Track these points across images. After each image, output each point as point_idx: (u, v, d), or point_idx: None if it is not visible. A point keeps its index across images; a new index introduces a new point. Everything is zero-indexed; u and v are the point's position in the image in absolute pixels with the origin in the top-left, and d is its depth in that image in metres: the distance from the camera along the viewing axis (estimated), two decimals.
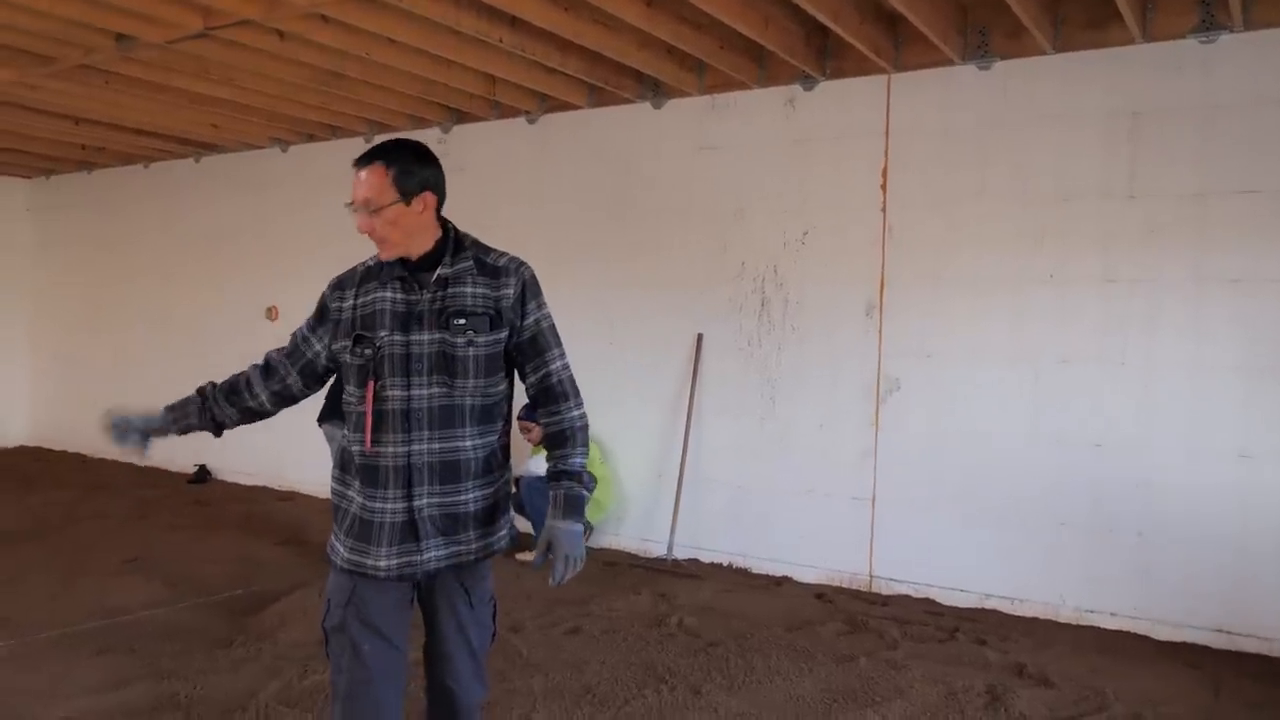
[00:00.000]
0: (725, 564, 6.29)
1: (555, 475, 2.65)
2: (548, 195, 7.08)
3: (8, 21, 5.40)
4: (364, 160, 2.54)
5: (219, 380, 2.76)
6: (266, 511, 7.71)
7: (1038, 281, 5.33)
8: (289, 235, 8.61)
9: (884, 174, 5.76)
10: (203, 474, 9.01)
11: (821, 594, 5.70)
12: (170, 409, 2.74)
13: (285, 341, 2.76)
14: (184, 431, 2.75)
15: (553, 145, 7.10)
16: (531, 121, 7.15)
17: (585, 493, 2.68)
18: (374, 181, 2.49)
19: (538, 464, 6.07)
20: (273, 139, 8.53)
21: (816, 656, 4.62)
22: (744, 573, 6.17)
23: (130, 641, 4.63)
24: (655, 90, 6.50)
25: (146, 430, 2.72)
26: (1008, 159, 5.40)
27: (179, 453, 9.18)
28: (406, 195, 2.50)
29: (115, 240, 10.29)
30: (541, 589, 5.52)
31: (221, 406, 2.71)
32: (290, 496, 8.29)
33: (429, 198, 2.54)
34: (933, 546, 5.60)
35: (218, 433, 2.77)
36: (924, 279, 5.65)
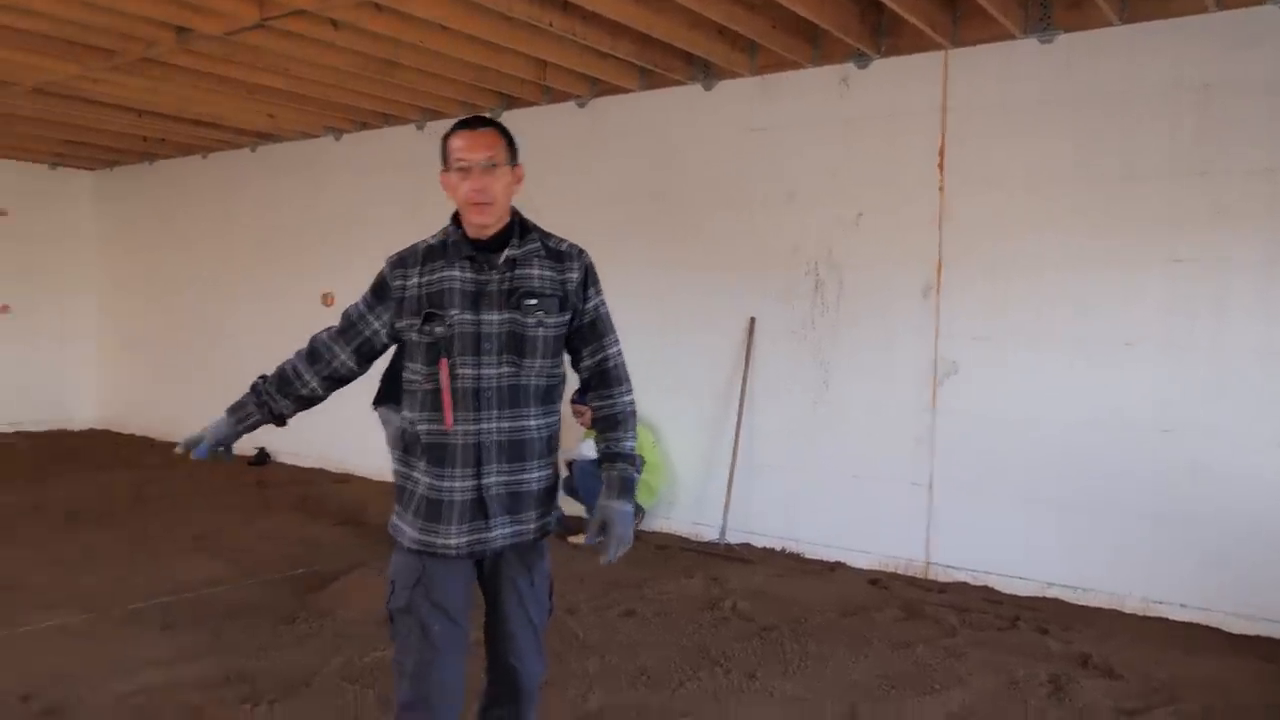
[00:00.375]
0: (778, 549, 6.27)
1: (609, 458, 2.69)
2: (598, 179, 7.07)
3: (71, 17, 5.52)
4: (475, 122, 2.57)
5: (269, 373, 2.78)
6: (324, 493, 7.84)
7: (1101, 262, 5.21)
8: (343, 222, 8.72)
9: (941, 153, 5.66)
10: (262, 456, 9.19)
11: (876, 580, 5.66)
12: (231, 411, 2.77)
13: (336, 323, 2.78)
14: (250, 429, 2.78)
15: (603, 129, 7.09)
16: (581, 106, 7.15)
17: (636, 474, 2.72)
18: (493, 141, 2.54)
19: (590, 447, 6.09)
20: (327, 128, 8.62)
21: (872, 642, 4.58)
22: (796, 558, 6.14)
23: (196, 618, 4.74)
24: (706, 72, 6.46)
25: (218, 440, 2.75)
26: (1070, 136, 5.28)
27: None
28: (514, 162, 2.58)
29: (176, 229, 10.51)
30: (596, 572, 5.55)
31: (275, 399, 2.73)
32: (346, 479, 8.42)
33: (520, 171, 2.60)
34: (992, 533, 5.52)
35: (280, 423, 2.80)
36: (983, 260, 5.55)
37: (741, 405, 6.39)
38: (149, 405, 10.82)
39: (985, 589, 5.49)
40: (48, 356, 11.23)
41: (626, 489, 2.65)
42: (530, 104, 7.25)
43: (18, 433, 10.81)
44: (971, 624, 4.88)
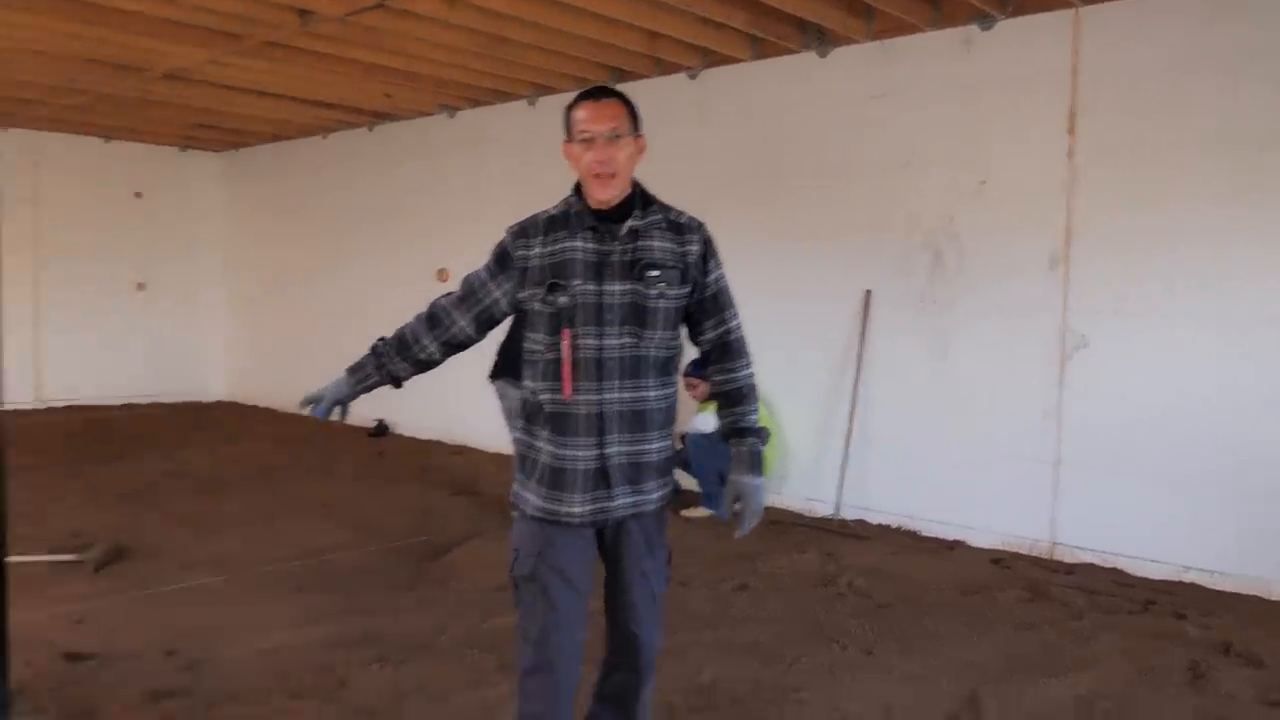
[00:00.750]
0: (894, 526, 6.16)
1: (736, 432, 2.70)
2: (708, 152, 7.01)
3: (202, 4, 5.73)
4: (598, 93, 2.56)
5: (389, 336, 2.82)
6: (440, 464, 8.03)
7: (1241, 233, 4.92)
8: (457, 199, 8.88)
9: (1070, 117, 5.43)
10: (381, 428, 9.46)
11: (998, 559, 5.51)
12: (351, 371, 2.82)
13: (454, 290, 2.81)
14: (369, 390, 2.83)
15: (714, 101, 7.02)
16: (692, 77, 7.09)
17: (763, 448, 2.71)
18: (617, 112, 2.53)
19: (704, 421, 6.07)
20: (441, 105, 8.77)
21: (995, 623, 4.47)
22: (913, 535, 6.03)
23: (324, 581, 4.92)
24: (820, 39, 6.32)
25: (337, 399, 2.80)
26: (1210, 99, 4.99)
27: (360, 407, 9.64)
28: (637, 133, 2.57)
29: (298, 208, 10.86)
30: (707, 545, 5.56)
31: (394, 361, 2.77)
32: (461, 450, 8.61)
33: (643, 141, 2.60)
34: (1122, 513, 5.31)
35: (397, 385, 2.84)
36: (1115, 230, 5.31)
37: (857, 379, 6.29)
38: (273, 378, 11.25)
39: (1115, 571, 5.28)
40: (179, 332, 11.78)
41: (756, 463, 2.66)
42: (641, 77, 7.22)
43: (154, 404, 11.38)
44: (1100, 607, 4.70)
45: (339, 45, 6.63)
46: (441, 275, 8.83)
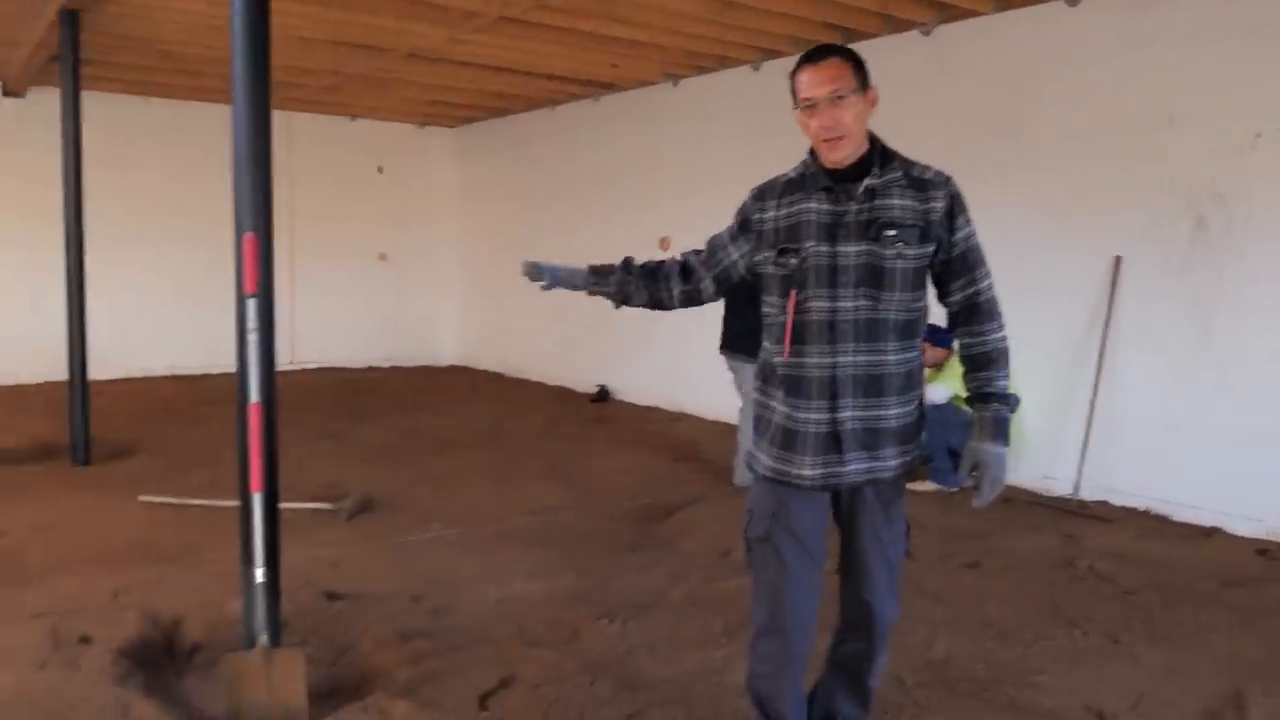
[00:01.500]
0: (1140, 509, 5.73)
1: (981, 397, 2.59)
2: (943, 113, 6.69)
3: None
4: (817, 55, 2.48)
5: (642, 261, 2.83)
6: (660, 430, 8.15)
7: None
8: (679, 167, 8.93)
9: None
10: (603, 393, 9.70)
11: (1264, 550, 5.03)
12: (593, 271, 2.84)
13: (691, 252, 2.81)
14: (594, 293, 2.85)
15: (949, 58, 6.70)
16: (926, 34, 6.79)
17: (1009, 415, 2.59)
18: (838, 72, 2.44)
19: (936, 391, 5.86)
20: (665, 74, 8.82)
21: (1261, 617, 4.09)
22: (1162, 520, 5.60)
23: (553, 538, 5.11)
24: None
25: (563, 281, 2.83)
26: None
27: (583, 373, 9.98)
28: (864, 88, 2.46)
29: (525, 179, 11.25)
30: (935, 520, 5.39)
31: (637, 285, 2.79)
32: (680, 417, 8.70)
33: (874, 94, 2.49)
34: None
35: (619, 305, 2.88)
36: None
37: (1102, 351, 5.88)
38: (501, 344, 11.77)
39: None
40: (416, 299, 12.51)
41: (1000, 430, 2.55)
42: (870, 36, 6.98)
43: (393, 368, 12.15)
44: None
45: (569, 17, 6.78)
46: (663, 243, 8.92)
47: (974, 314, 2.57)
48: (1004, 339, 2.59)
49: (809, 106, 2.45)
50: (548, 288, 2.85)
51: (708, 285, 2.74)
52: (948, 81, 6.70)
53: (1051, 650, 3.74)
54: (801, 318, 2.49)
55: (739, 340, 5.63)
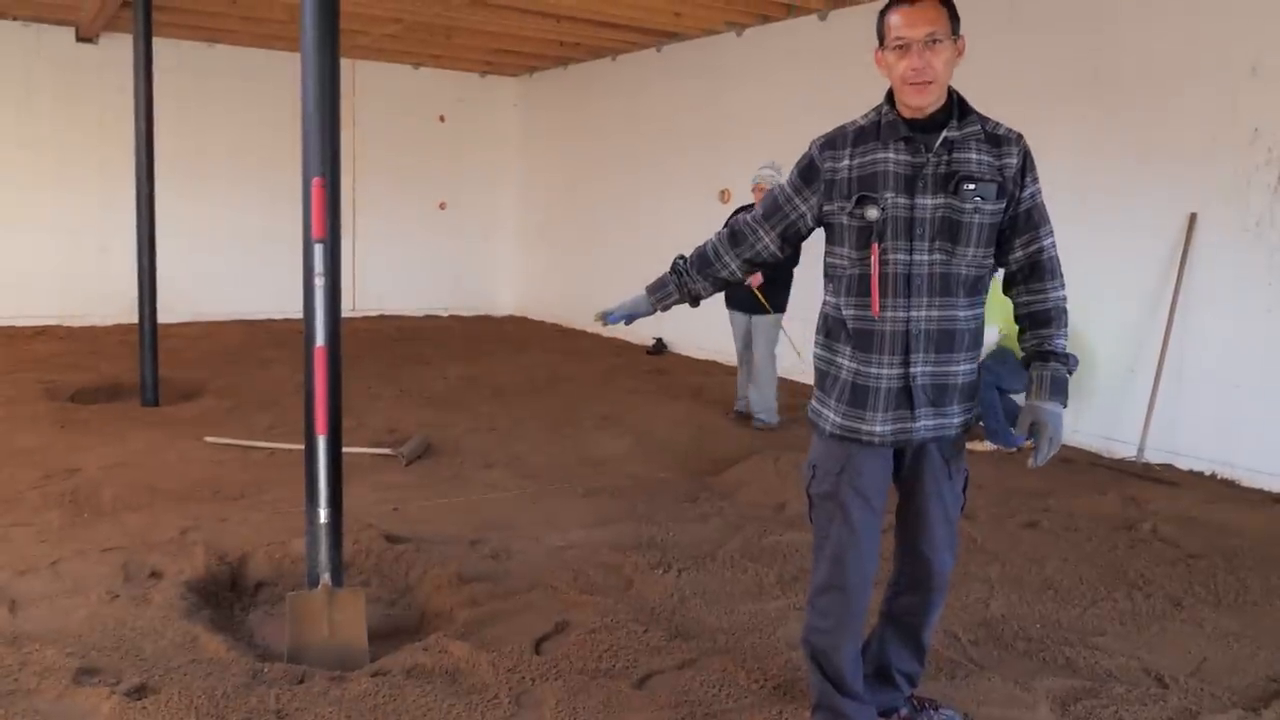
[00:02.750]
0: (1207, 473, 5.61)
1: (1040, 355, 2.55)
2: (1017, 59, 6.48)
3: None
4: None
5: (688, 253, 2.81)
6: (717, 384, 8.13)
7: None
8: (741, 119, 8.80)
9: None
10: (660, 346, 9.71)
11: None
12: (652, 290, 2.83)
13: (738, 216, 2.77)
14: (667, 307, 2.84)
15: (1026, 4, 6.49)
16: None
17: (1069, 373, 2.54)
18: (935, 14, 2.37)
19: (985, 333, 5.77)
20: (729, 23, 8.68)
21: None
22: (1231, 484, 5.47)
23: (609, 487, 5.15)
24: None
25: (634, 314, 2.83)
26: None
27: (639, 325, 9.94)
28: (956, 34, 2.40)
29: (586, 130, 11.19)
30: (993, 478, 5.33)
31: (695, 279, 2.76)
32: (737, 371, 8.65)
33: (963, 43, 2.42)
34: None
35: (695, 304, 2.85)
36: None
37: (1173, 310, 5.72)
38: (559, 294, 11.80)
39: None
40: (475, 249, 12.58)
41: (1059, 389, 2.50)
42: None
43: (451, 316, 12.27)
44: None
45: None
46: (724, 196, 8.84)
47: (1035, 271, 2.53)
48: (1064, 298, 2.55)
49: (900, 47, 2.38)
50: (629, 323, 2.87)
51: (771, 244, 2.67)
52: (1024, 27, 6.48)
53: (1111, 612, 3.70)
54: (878, 271, 2.45)
55: (736, 297, 6.56)
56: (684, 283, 2.78)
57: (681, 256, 2.81)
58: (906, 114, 2.44)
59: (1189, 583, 4.00)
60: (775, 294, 6.50)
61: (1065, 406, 2.51)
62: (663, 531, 4.41)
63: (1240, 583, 4.00)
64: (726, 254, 2.73)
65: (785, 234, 2.67)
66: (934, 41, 2.35)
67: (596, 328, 10.87)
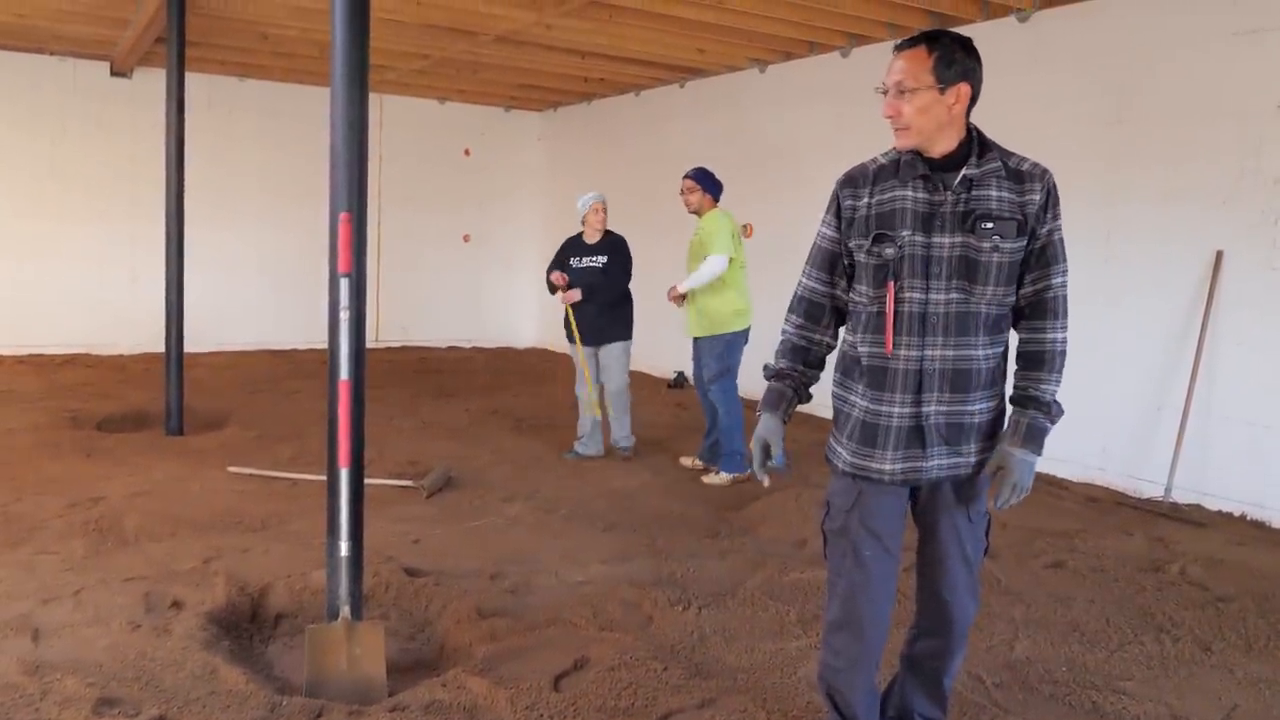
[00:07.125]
0: (1237, 514, 5.53)
1: (1022, 400, 2.50)
2: (1039, 98, 6.49)
3: None
4: (907, 44, 2.44)
5: (778, 361, 2.68)
6: None
7: None
8: (764, 155, 8.83)
9: None
10: (680, 379, 9.69)
11: None
12: (771, 409, 2.64)
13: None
14: (790, 415, 2.67)
15: (1047, 44, 6.50)
16: (1023, 20, 6.60)
17: (1050, 425, 2.49)
18: (911, 66, 2.40)
19: None
20: (752, 60, 8.74)
21: None
22: (1262, 526, 5.39)
23: (629, 521, 5.13)
24: None
25: (776, 438, 2.62)
26: None
27: (662, 359, 9.97)
28: (943, 83, 2.38)
29: (610, 164, 11.26)
30: (1017, 517, 5.26)
31: (803, 373, 2.66)
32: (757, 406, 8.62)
33: (964, 89, 2.40)
34: None
35: (807, 398, 2.70)
36: None
37: (1200, 349, 5.66)
38: None
39: None
40: (498, 281, 12.64)
41: (1033, 437, 2.46)
42: (965, 21, 6.80)
43: (474, 348, 12.31)
44: None
45: (657, 2, 6.75)
46: (747, 230, 8.85)
47: (1038, 309, 2.48)
48: (1063, 340, 2.49)
49: (883, 92, 2.45)
50: (783, 461, 2.63)
51: (841, 292, 2.59)
52: (1046, 68, 6.49)
53: (1139, 656, 3.64)
54: (893, 309, 2.44)
55: (603, 331, 6.51)
56: (796, 384, 2.65)
57: (780, 368, 2.66)
58: (926, 153, 2.45)
59: (1219, 626, 3.93)
60: (614, 322, 6.50)
61: (1039, 455, 2.48)
62: (683, 567, 4.38)
63: (1272, 627, 3.93)
64: (814, 332, 2.63)
65: (847, 273, 2.59)
66: (901, 91, 2.39)
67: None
